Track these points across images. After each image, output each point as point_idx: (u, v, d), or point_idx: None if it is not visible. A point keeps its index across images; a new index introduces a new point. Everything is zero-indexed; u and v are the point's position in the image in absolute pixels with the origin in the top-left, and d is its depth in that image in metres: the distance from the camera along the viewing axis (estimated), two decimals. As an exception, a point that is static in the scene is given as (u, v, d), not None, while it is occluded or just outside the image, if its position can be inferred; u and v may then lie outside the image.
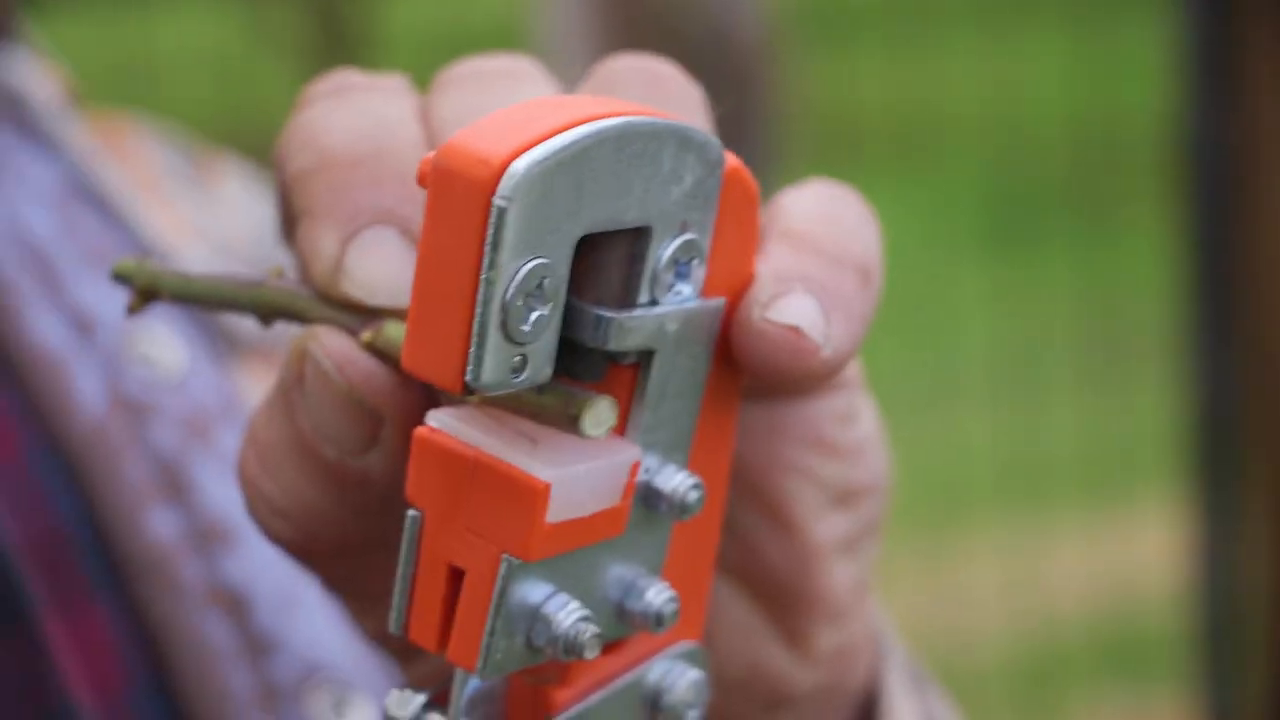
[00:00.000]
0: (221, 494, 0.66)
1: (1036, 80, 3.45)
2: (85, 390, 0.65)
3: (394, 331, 0.45)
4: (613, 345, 0.43)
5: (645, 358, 0.44)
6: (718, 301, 0.45)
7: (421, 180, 0.41)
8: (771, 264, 0.45)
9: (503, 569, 0.42)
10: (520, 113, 0.41)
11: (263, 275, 0.47)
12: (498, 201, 0.40)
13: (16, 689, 0.60)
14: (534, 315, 0.41)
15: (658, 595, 0.44)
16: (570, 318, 0.42)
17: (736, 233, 0.45)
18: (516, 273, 0.40)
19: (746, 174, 0.44)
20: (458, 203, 0.40)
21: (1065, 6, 3.45)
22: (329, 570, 0.49)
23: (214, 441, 0.67)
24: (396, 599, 0.43)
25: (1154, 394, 2.65)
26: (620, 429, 0.44)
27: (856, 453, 0.50)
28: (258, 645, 0.65)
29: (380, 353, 0.45)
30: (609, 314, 0.42)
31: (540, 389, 0.42)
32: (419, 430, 0.43)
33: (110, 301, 0.67)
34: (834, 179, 0.49)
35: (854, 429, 0.50)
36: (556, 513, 0.42)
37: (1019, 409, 3.09)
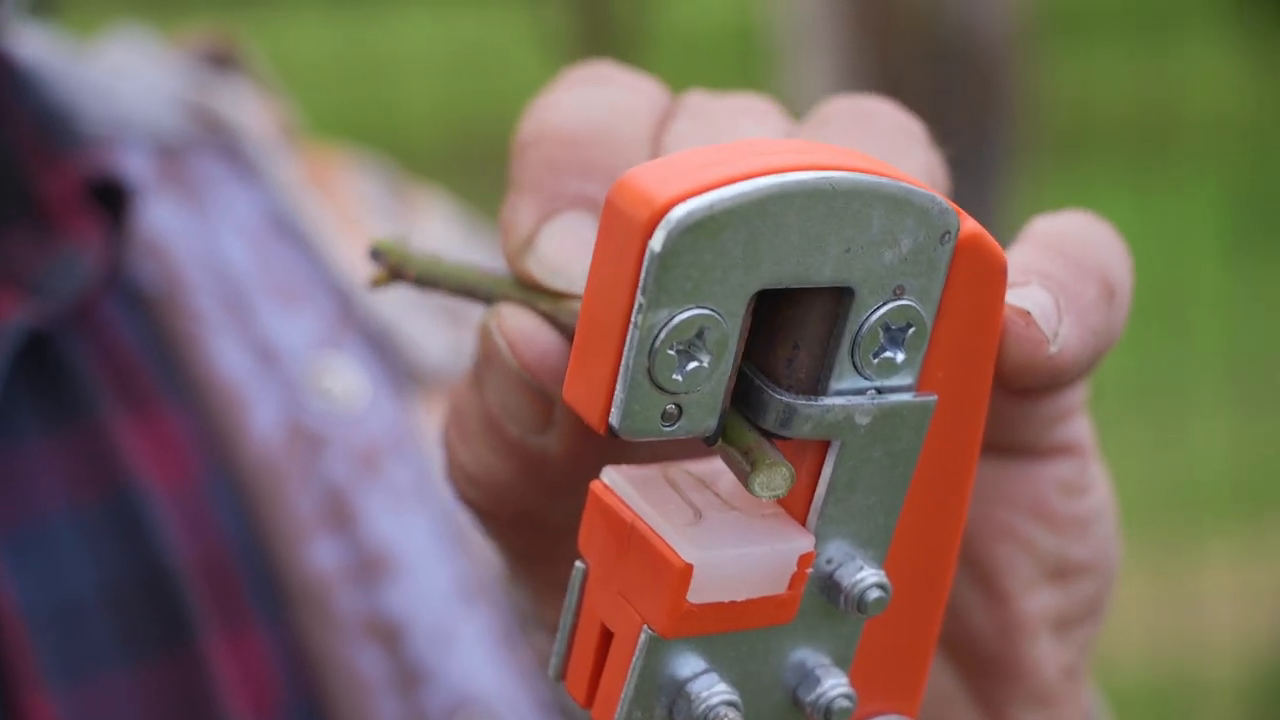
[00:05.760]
0: (387, 525, 0.67)
1: (1280, 82, 3.38)
2: (262, 419, 0.66)
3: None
4: (790, 433, 0.40)
5: (831, 443, 0.42)
6: (927, 400, 0.41)
7: None
8: (1013, 258, 0.44)
9: (642, 640, 0.41)
10: (706, 155, 0.40)
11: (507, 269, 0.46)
12: (651, 245, 0.38)
13: (176, 708, 0.62)
14: (691, 366, 0.39)
15: (833, 688, 0.42)
16: (747, 394, 0.41)
17: (973, 306, 0.41)
18: (669, 321, 0.39)
19: (988, 243, 0.41)
20: (619, 240, 0.39)
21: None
22: (510, 539, 0.48)
23: (385, 473, 0.68)
24: (558, 645, 0.43)
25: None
26: (802, 516, 0.42)
27: (1080, 527, 0.48)
28: (410, 675, 0.66)
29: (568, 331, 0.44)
30: (786, 398, 0.40)
31: (715, 437, 0.41)
32: (594, 484, 0.42)
33: (296, 334, 0.69)
34: (1070, 179, 0.47)
35: (1080, 502, 0.48)
36: (702, 594, 0.40)
37: (1257, 418, 3.02)
